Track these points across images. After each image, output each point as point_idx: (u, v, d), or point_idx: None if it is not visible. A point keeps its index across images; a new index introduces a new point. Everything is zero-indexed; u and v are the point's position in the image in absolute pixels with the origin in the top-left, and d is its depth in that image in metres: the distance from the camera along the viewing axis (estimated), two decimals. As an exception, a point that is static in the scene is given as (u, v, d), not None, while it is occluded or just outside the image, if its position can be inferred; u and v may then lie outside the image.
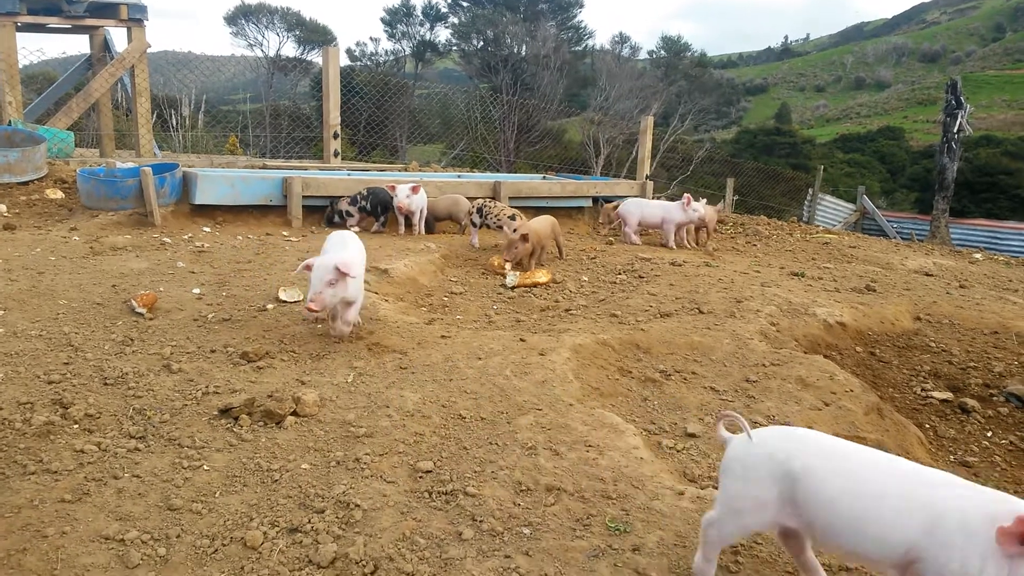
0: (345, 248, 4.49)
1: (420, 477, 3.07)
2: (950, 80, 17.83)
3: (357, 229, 8.03)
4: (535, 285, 6.53)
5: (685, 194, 8.73)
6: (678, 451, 3.56)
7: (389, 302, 5.62)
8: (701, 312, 5.51)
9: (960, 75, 20.33)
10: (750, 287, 6.29)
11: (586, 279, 6.81)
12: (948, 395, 4.76)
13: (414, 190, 7.87)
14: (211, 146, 16.23)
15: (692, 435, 3.71)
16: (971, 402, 4.67)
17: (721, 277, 6.73)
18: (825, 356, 5.03)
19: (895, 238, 16.69)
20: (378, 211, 8.16)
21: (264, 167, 10.08)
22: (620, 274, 6.97)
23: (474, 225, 7.79)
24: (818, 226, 15.06)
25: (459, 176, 10.96)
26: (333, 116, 10.66)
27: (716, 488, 3.18)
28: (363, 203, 8.19)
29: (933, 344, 5.55)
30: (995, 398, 4.74)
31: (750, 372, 4.42)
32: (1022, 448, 4.19)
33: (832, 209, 20.58)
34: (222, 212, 7.94)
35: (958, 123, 16.92)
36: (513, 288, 6.42)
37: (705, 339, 4.89)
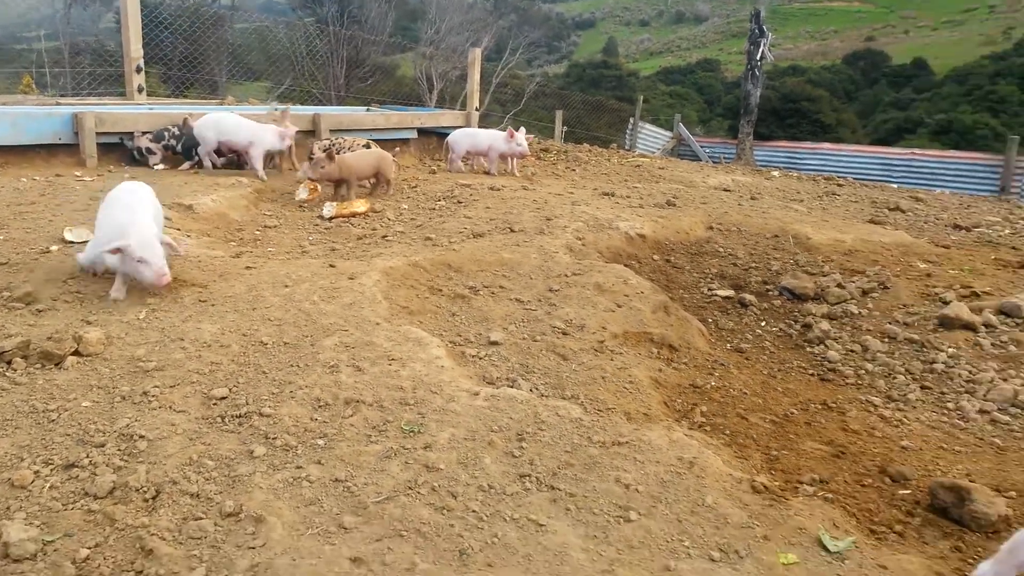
0: (132, 212, 4.00)
1: (214, 404, 3.02)
2: (754, 10, 18.96)
3: (162, 167, 7.53)
4: (353, 215, 6.45)
5: (509, 128, 8.81)
6: (480, 358, 3.71)
7: (192, 238, 5.36)
8: (513, 231, 5.69)
9: (766, 7, 21.76)
10: (562, 207, 6.54)
11: (406, 207, 6.81)
12: (730, 292, 5.25)
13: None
14: (1, 87, 14.49)
15: (495, 343, 3.87)
16: (749, 297, 5.18)
17: (536, 199, 6.94)
18: (626, 265, 5.36)
19: (707, 161, 17.83)
20: (192, 152, 7.66)
21: (57, 105, 9.15)
22: (440, 200, 7.02)
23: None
24: (634, 151, 15.78)
25: (275, 108, 10.47)
26: (134, 48, 9.79)
27: (511, 386, 3.38)
28: (171, 141, 7.66)
29: (722, 249, 6.06)
30: (771, 293, 5.28)
31: (553, 283, 4.64)
32: (789, 334, 4.72)
33: (652, 137, 21.58)
34: (3, 154, 7.16)
35: (760, 51, 18.13)
36: (331, 219, 6.31)
37: (514, 255, 5.07)
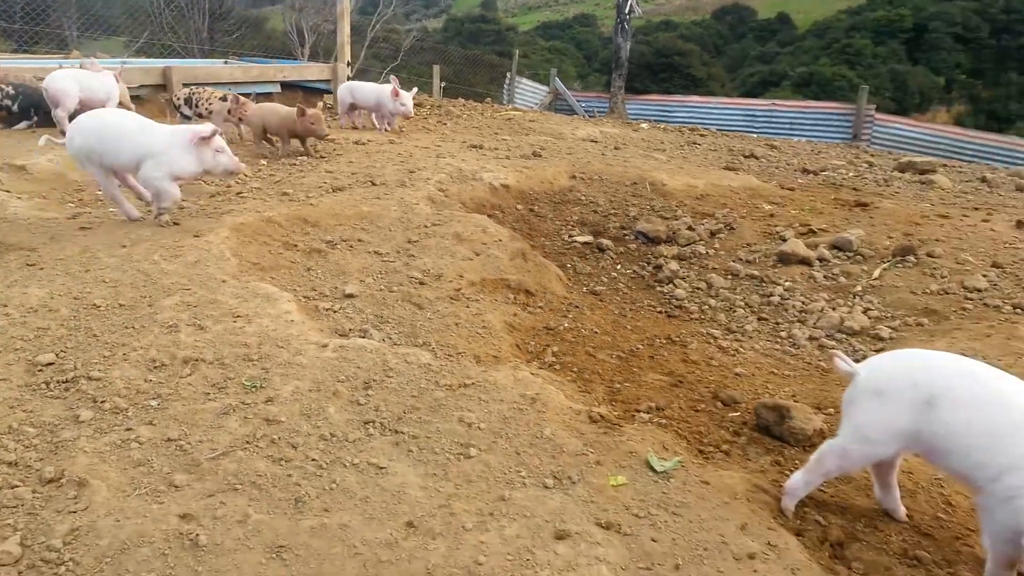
0: None
1: (39, 371, 2.85)
2: (623, -36, 19.15)
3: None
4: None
5: (393, 78, 8.43)
6: (335, 312, 3.65)
7: (24, 199, 4.97)
8: (374, 184, 5.59)
9: (635, -39, 22.08)
10: (427, 160, 6.48)
11: (264, 163, 6.55)
12: (589, 238, 5.39)
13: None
14: None
15: (350, 296, 3.81)
16: (607, 242, 5.33)
17: (401, 153, 6.84)
18: (489, 215, 5.39)
19: (583, 115, 18.07)
20: (31, 111, 7.05)
21: None
22: (301, 156, 6.80)
23: (186, 117, 7.21)
24: (507, 105, 15.79)
25: (123, 63, 9.76)
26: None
27: (363, 336, 3.35)
28: (5, 101, 7.01)
29: (583, 198, 6.19)
30: (627, 237, 5.45)
31: (412, 234, 4.61)
32: (641, 275, 4.91)
33: (529, 92, 21.62)
34: None
35: (628, 5, 18.40)
36: (182, 178, 5.99)
37: (374, 208, 4.99)
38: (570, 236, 5.47)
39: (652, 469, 2.49)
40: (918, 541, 2.37)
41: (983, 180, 8.39)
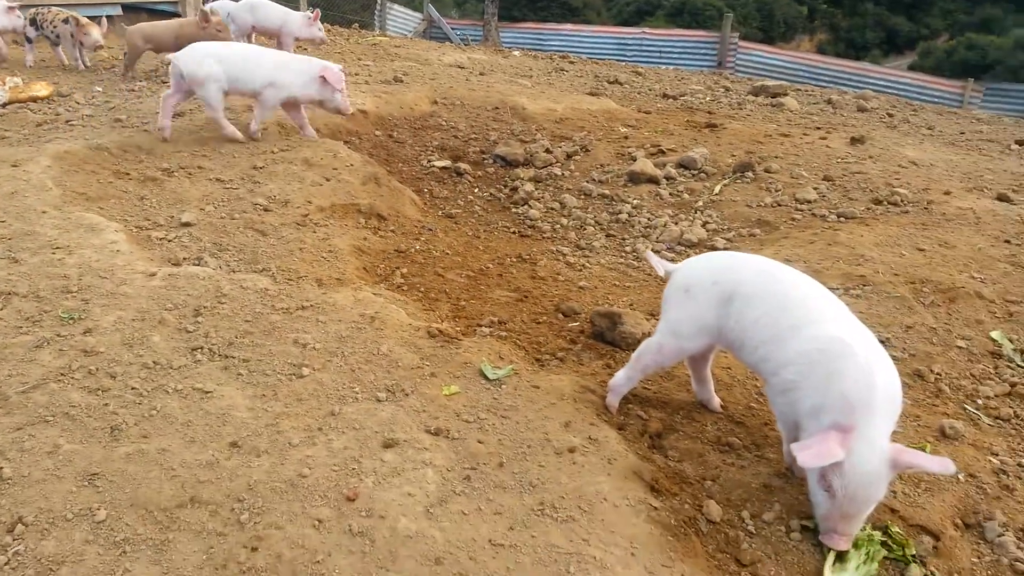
0: None
1: None
2: None
3: None
4: (33, 100, 5.65)
5: (316, 10, 7.70)
6: (169, 240, 3.48)
7: None
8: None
9: None
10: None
11: (100, 89, 6.07)
12: (448, 163, 5.35)
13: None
14: None
15: (187, 224, 3.64)
16: (465, 167, 5.31)
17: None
18: (345, 142, 5.23)
19: (457, 43, 17.69)
20: None
21: None
22: (142, 81, 6.34)
23: (29, 41, 6.59)
24: (375, 32, 15.25)
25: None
26: None
27: (197, 264, 3.22)
28: None
29: (444, 123, 6.11)
30: (486, 161, 5.45)
31: (259, 160, 4.42)
32: (498, 198, 4.93)
33: (402, 19, 20.93)
34: None
35: (501, -73, 17.97)
36: (4, 106, 5.47)
37: (216, 134, 4.74)
38: (429, 161, 5.40)
39: (485, 377, 2.55)
40: (731, 429, 2.55)
41: (829, 102, 8.87)
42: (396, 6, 21.43)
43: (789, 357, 2.02)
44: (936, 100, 15.09)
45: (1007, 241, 3.97)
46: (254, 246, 3.50)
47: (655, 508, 2.04)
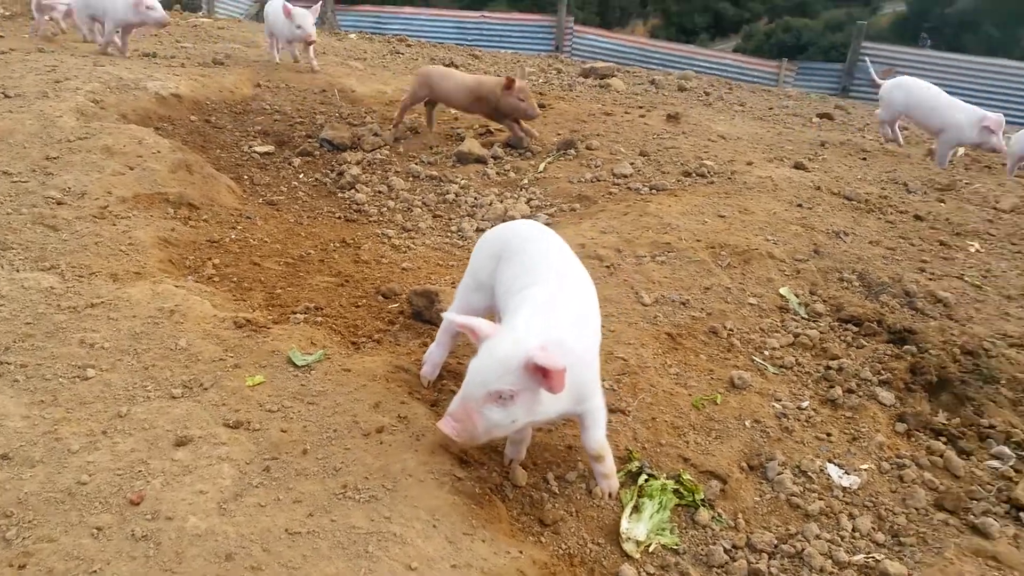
0: None
1: None
2: None
3: None
4: None
5: None
6: (-62, 242, 3.13)
7: None
8: (7, 97, 4.81)
9: None
10: (81, 69, 5.68)
11: None
12: (271, 148, 5.15)
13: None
14: None
15: (-38, 223, 3.28)
16: (289, 151, 5.13)
17: (51, 62, 5.93)
18: (156, 128, 4.91)
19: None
20: None
21: None
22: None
23: None
24: (200, 13, 14.45)
25: None
26: None
27: (-29, 267, 2.92)
28: None
29: (268, 106, 5.87)
30: (312, 145, 5.27)
31: (52, 150, 4.06)
32: (324, 182, 4.80)
33: (234, 1, 19.90)
34: None
35: (331, -94, 17.42)
36: None
37: (4, 124, 4.30)
38: (250, 147, 5.17)
39: (294, 364, 2.49)
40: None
41: (652, 83, 9.29)
42: (224, -13, 20.34)
43: (513, 311, 2.06)
44: (755, 79, 16.18)
45: (799, 205, 4.33)
46: (43, 242, 3.22)
47: (459, 479, 2.07)
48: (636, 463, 2.28)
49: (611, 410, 2.48)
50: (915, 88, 6.15)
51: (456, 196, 4.55)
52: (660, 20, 45.66)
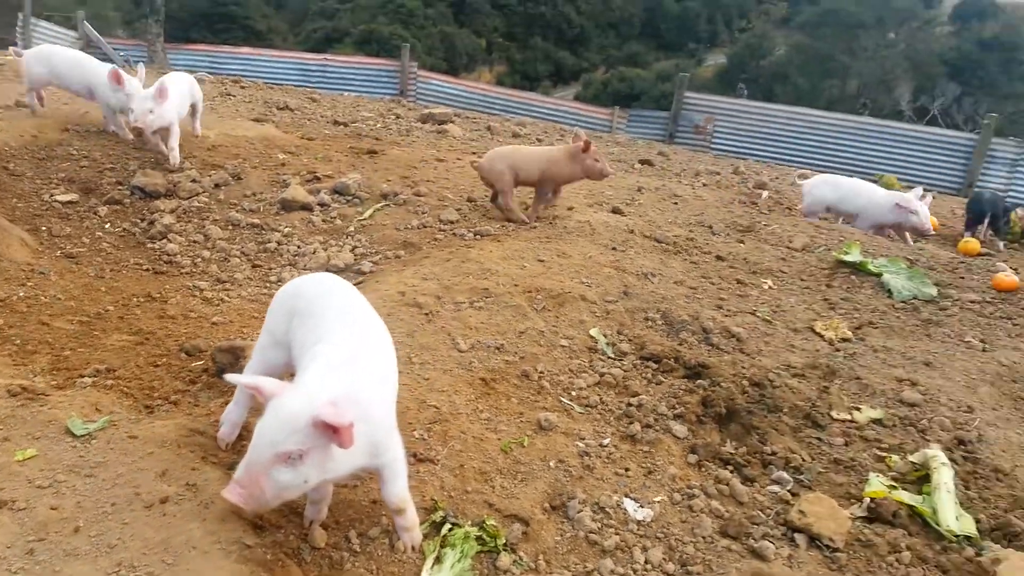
0: None
1: None
2: None
3: None
4: None
5: None
6: None
7: None
8: None
9: None
10: None
11: None
12: (75, 197, 4.81)
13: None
14: None
15: None
16: (96, 200, 4.82)
17: None
18: (-63, 176, 4.47)
19: (118, 64, 16.15)
20: None
21: None
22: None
23: None
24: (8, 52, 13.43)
25: None
26: None
27: None
28: None
29: (75, 152, 5.49)
30: (123, 193, 4.99)
31: None
32: (133, 232, 4.54)
33: (50, 36, 18.61)
34: None
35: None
36: None
37: None
38: (51, 196, 4.81)
39: (72, 434, 2.31)
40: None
41: (489, 129, 9.56)
42: (43, 23, 19.04)
43: (306, 367, 2.05)
44: (591, 126, 17.06)
45: (614, 248, 4.57)
46: None
47: (249, 547, 1.98)
48: (440, 512, 2.28)
49: (420, 460, 2.50)
50: (842, 182, 6.80)
51: (278, 245, 4.44)
52: (505, 67, 47.31)
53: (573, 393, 3.02)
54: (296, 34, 43.08)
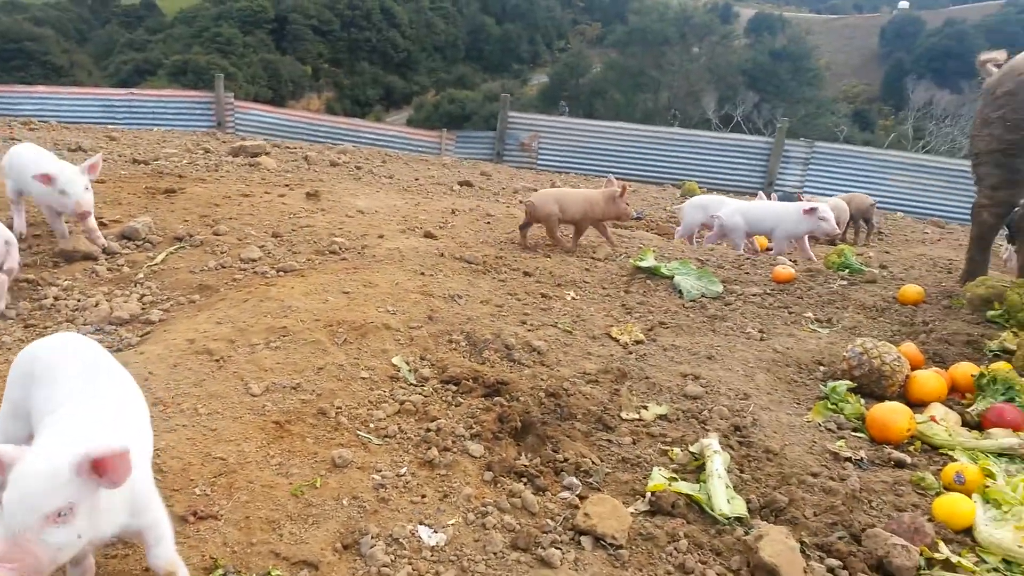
0: None
1: None
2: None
3: None
4: None
5: None
6: None
7: None
8: None
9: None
10: None
11: None
12: None
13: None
14: None
15: None
16: None
17: None
18: None
19: None
20: None
21: None
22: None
23: None
24: None
25: None
26: None
27: None
28: None
29: None
30: None
31: None
32: None
33: None
34: None
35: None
36: None
37: None
38: None
39: None
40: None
41: (305, 159, 9.36)
42: None
43: (40, 432, 1.94)
44: (420, 149, 17.13)
45: (422, 273, 4.60)
46: None
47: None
48: (220, 571, 2.18)
49: (200, 518, 2.38)
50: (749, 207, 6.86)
51: (56, 300, 4.10)
52: (334, 93, 46.63)
53: (371, 425, 2.99)
54: (103, 68, 40.32)
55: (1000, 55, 4.89)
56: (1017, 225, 4.98)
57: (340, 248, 4.92)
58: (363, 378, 3.30)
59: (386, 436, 2.94)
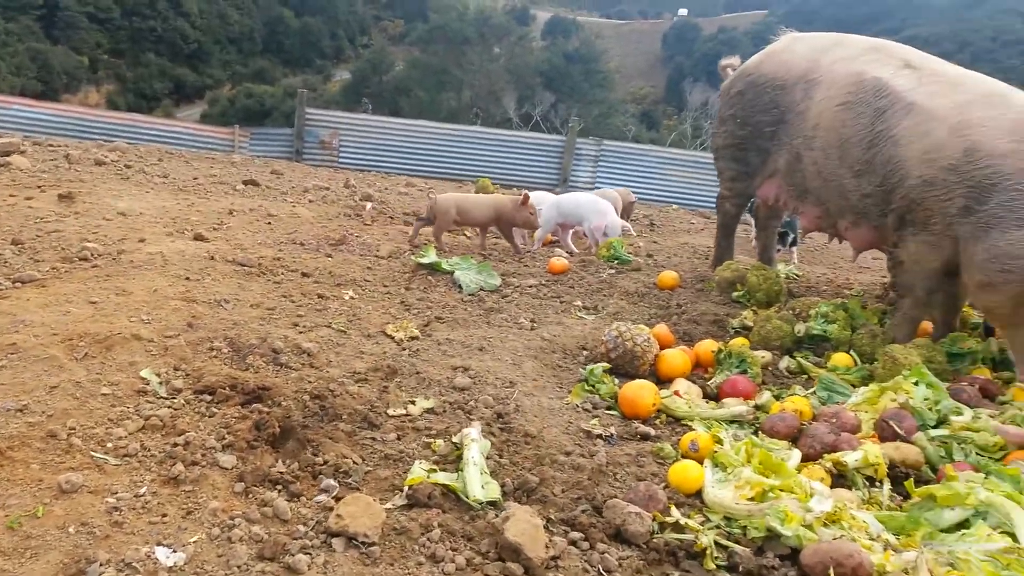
0: None
1: None
2: None
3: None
4: None
5: None
6: None
7: None
8: None
9: None
10: None
11: None
12: None
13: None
14: None
15: None
16: None
17: None
18: None
19: None
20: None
21: None
22: None
23: None
24: None
25: None
26: None
27: None
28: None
29: None
30: None
31: None
32: None
33: None
34: None
35: None
36: None
37: None
38: None
39: None
40: None
41: (67, 158, 8.51)
42: None
43: None
44: (210, 146, 16.12)
45: (187, 279, 4.33)
46: None
47: None
48: (-95, 625, 1.92)
49: None
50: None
51: None
52: (116, 86, 42.67)
53: (109, 444, 2.77)
54: None
55: (736, 60, 5.43)
56: (755, 214, 5.57)
57: (92, 254, 4.51)
58: (104, 394, 3.04)
59: (126, 455, 2.73)
